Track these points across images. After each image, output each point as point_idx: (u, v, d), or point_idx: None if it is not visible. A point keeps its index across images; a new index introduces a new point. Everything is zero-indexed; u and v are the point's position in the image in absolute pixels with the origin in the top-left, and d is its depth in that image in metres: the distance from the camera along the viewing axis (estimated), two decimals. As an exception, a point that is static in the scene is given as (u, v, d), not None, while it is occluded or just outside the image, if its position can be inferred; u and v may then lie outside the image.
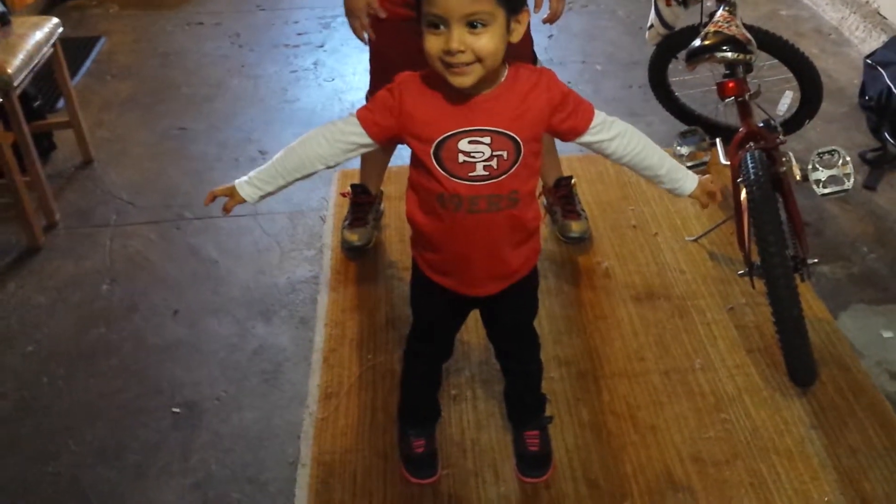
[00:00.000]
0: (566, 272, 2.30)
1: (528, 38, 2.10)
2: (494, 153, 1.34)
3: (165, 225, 2.58)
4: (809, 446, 1.79)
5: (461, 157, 1.34)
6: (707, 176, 1.56)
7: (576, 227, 2.39)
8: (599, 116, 1.42)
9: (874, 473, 1.73)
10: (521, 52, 2.08)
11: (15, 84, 2.38)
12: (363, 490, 1.76)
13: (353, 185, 2.44)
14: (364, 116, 1.40)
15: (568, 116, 1.39)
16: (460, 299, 1.56)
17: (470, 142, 1.33)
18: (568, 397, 1.93)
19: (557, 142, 2.38)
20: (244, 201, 1.49)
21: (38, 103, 2.88)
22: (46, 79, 3.04)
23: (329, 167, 1.46)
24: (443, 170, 1.36)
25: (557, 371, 1.99)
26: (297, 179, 1.47)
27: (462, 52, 1.24)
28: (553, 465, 1.77)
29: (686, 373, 1.98)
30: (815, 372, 1.92)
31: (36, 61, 2.52)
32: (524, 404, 1.81)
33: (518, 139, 1.34)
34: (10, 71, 2.36)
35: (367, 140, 1.41)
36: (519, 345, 1.72)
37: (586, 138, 1.43)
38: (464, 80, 1.28)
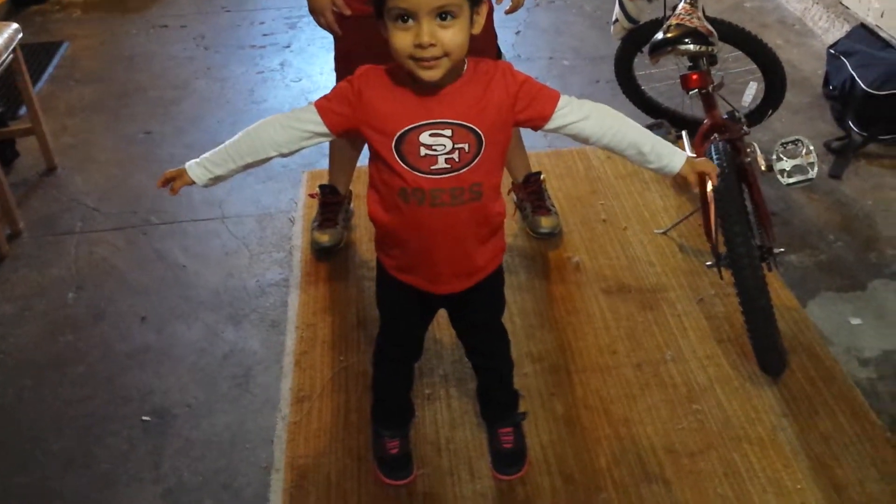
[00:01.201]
0: (537, 267, 2.30)
1: (491, 33, 2.10)
2: (456, 146, 1.34)
3: (132, 231, 2.55)
4: (781, 434, 1.81)
5: (423, 151, 1.34)
6: (701, 159, 1.52)
7: (546, 223, 2.39)
8: (565, 99, 1.41)
9: (846, 460, 1.75)
10: (484, 47, 2.07)
11: (-26, 91, 2.34)
12: (338, 493, 1.74)
13: (321, 186, 2.42)
14: (322, 105, 1.39)
15: (529, 104, 1.38)
16: (426, 298, 1.56)
17: (431, 134, 1.33)
18: (542, 392, 1.93)
19: (525, 137, 2.41)
20: (193, 183, 1.46)
21: (-1, 111, 2.84)
22: (7, 86, 2.99)
23: (283, 155, 1.44)
24: (404, 163, 1.35)
25: (531, 366, 1.99)
26: (250, 165, 1.44)
27: (433, 45, 1.24)
28: (528, 462, 1.77)
29: (658, 365, 1.98)
30: (785, 361, 1.94)
31: (-5, 68, 2.47)
32: (496, 401, 1.80)
33: (479, 132, 1.34)
34: (-33, 78, 2.32)
35: (324, 129, 1.39)
36: (488, 343, 1.72)
37: (555, 123, 1.41)
38: (433, 74, 1.28)
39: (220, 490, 1.78)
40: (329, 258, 2.36)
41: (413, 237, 1.45)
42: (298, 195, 2.64)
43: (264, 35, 3.79)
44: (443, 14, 1.23)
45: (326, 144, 2.28)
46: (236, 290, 2.30)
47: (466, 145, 1.34)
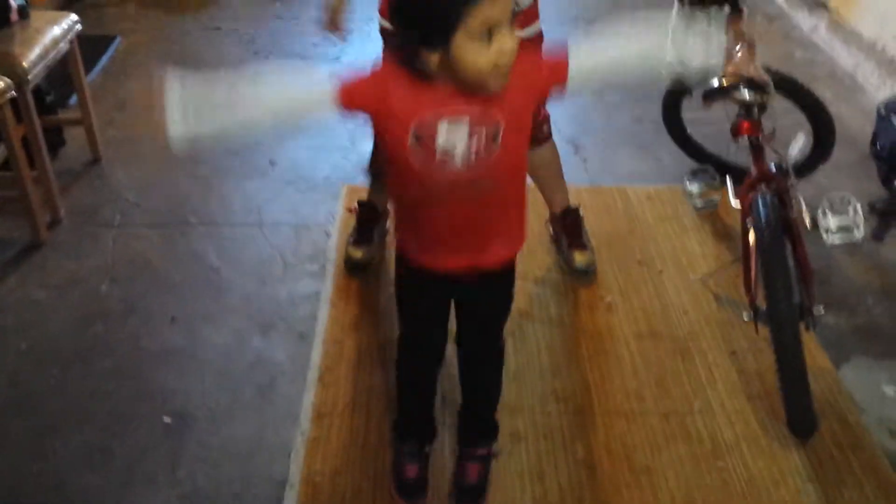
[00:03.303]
0: (569, 304, 2.29)
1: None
2: (473, 136, 1.33)
3: (170, 229, 2.56)
4: (805, 500, 1.77)
5: (441, 142, 1.33)
6: None
7: (580, 259, 2.37)
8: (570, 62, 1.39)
9: (869, 531, 1.71)
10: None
11: (29, 77, 2.37)
12: (351, 513, 1.74)
13: (360, 203, 2.43)
14: (344, 97, 1.35)
15: (538, 77, 1.38)
16: (444, 285, 1.56)
17: (450, 126, 1.32)
18: (564, 433, 1.90)
19: (564, 170, 2.40)
20: None
21: (50, 98, 2.88)
22: (61, 74, 3.04)
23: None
24: (424, 155, 1.34)
25: (555, 405, 1.97)
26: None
27: (515, 49, 1.25)
28: (486, 499, 1.76)
29: (685, 416, 1.96)
30: (815, 424, 1.90)
31: (52, 56, 2.51)
32: (474, 425, 1.81)
33: (498, 120, 1.33)
34: (25, 64, 2.36)
35: (335, 110, 1.36)
36: (487, 350, 1.72)
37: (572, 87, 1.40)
38: (506, 79, 1.28)
39: (232, 500, 1.77)
40: (361, 274, 2.36)
41: (434, 223, 1.46)
42: (336, 209, 2.64)
43: (314, 45, 3.81)
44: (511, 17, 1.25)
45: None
46: (267, 299, 2.30)
47: (483, 136, 1.33)
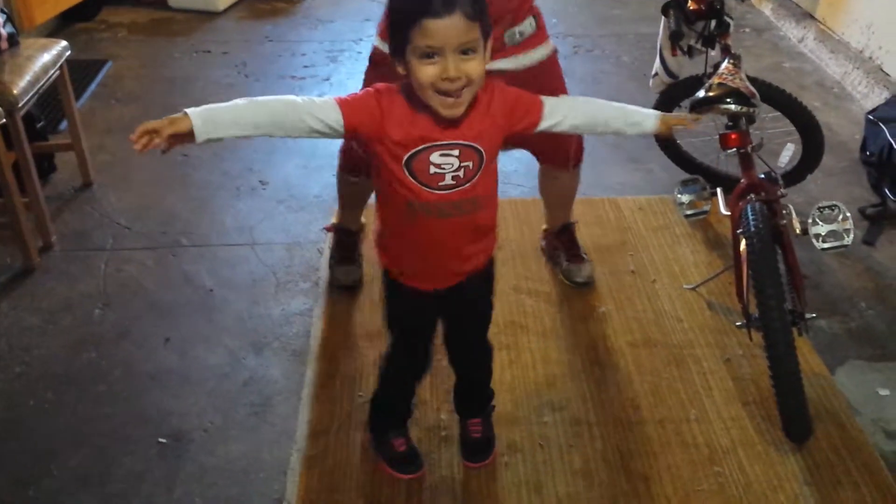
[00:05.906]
0: (563, 315, 2.29)
1: (560, 74, 2.13)
2: (462, 164, 1.43)
3: (161, 251, 2.56)
4: (802, 503, 1.77)
5: (432, 169, 1.42)
6: (672, 114, 1.62)
7: (583, 272, 2.38)
8: (548, 107, 1.51)
9: (868, 534, 1.71)
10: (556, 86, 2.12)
11: (20, 105, 2.38)
12: (348, 530, 1.73)
13: (335, 226, 2.43)
14: (346, 110, 1.39)
15: (524, 115, 1.50)
16: (430, 302, 1.62)
17: (441, 154, 1.41)
18: (560, 443, 1.90)
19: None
20: (188, 139, 1.33)
21: (41, 124, 2.88)
22: (51, 100, 3.05)
23: (272, 136, 1.42)
24: (414, 179, 1.43)
25: (551, 416, 1.97)
26: (247, 136, 1.40)
27: (459, 77, 1.32)
28: (495, 452, 1.86)
29: (680, 423, 1.95)
30: (811, 428, 1.90)
31: (42, 83, 2.52)
32: (471, 401, 1.88)
33: (482, 150, 1.43)
34: (15, 92, 2.36)
35: (339, 130, 1.40)
36: (476, 354, 1.80)
37: (541, 128, 1.52)
38: (455, 111, 1.36)
39: (230, 519, 1.76)
40: (353, 290, 2.36)
41: (415, 242, 1.53)
42: (328, 226, 2.65)
43: (305, 67, 3.84)
44: (465, 50, 1.32)
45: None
46: (261, 318, 2.30)
47: (471, 163, 1.43)
